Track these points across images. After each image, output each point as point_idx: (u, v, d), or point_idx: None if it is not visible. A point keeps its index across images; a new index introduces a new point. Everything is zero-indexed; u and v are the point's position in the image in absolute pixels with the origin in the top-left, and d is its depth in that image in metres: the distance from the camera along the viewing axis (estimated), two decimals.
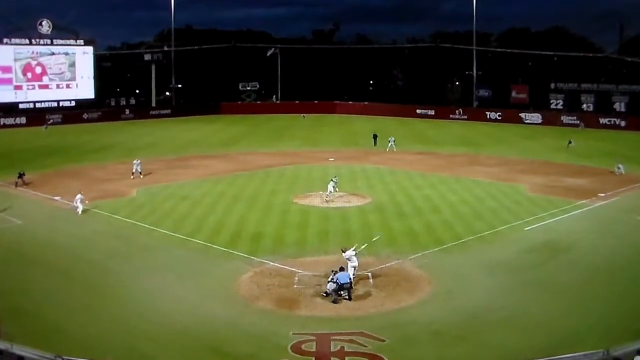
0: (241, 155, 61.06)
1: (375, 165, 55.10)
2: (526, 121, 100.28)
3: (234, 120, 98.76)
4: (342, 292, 23.61)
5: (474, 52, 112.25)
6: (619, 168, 51.20)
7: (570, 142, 68.80)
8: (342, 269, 24.21)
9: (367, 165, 55.02)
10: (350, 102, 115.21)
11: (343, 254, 25.42)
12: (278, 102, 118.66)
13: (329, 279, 23.86)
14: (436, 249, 30.14)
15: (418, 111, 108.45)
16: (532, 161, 59.14)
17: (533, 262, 28.56)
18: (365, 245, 26.83)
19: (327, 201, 39.87)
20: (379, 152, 63.14)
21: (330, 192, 40.53)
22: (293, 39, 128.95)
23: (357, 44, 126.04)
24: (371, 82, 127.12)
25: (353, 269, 24.97)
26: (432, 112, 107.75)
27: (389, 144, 64.59)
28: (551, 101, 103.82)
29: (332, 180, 41.25)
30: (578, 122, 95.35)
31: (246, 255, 29.06)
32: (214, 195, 42.20)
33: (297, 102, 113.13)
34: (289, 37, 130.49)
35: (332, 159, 57.28)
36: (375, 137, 69.18)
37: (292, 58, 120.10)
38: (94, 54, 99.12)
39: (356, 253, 25.53)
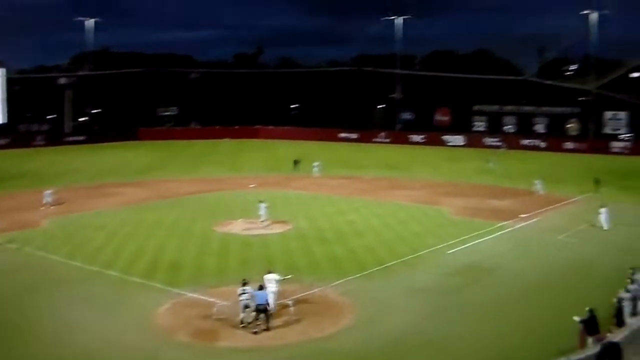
0: (160, 183, 60.14)
1: (297, 191, 55.28)
2: (449, 143, 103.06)
3: (152, 146, 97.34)
4: (259, 317, 23.44)
5: (397, 75, 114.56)
6: (537, 185, 53.33)
7: (490, 162, 71.10)
8: (261, 288, 24.12)
9: (290, 191, 55.13)
10: (272, 127, 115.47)
11: (265, 275, 25.40)
12: (198, 127, 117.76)
13: (239, 292, 23.75)
14: (359, 275, 30.35)
15: (341, 135, 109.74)
16: (456, 183, 60.74)
17: (456, 285, 29.11)
18: (287, 277, 26.65)
19: (263, 226, 39.99)
20: (301, 178, 63.38)
21: (262, 215, 40.66)
22: (215, 62, 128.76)
23: (281, 68, 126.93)
24: (294, 106, 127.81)
25: (272, 294, 24.88)
26: (355, 136, 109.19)
27: (314, 169, 64.99)
28: (474, 123, 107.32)
29: (260, 203, 41.26)
30: (500, 143, 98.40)
31: (164, 287, 28.52)
32: (131, 225, 41.33)
33: (218, 127, 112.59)
34: (212, 60, 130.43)
35: (253, 185, 57.12)
36: (296, 162, 69.52)
37: (214, 82, 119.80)
38: (2, 76, 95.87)
39: (279, 280, 25.48)
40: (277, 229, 40.27)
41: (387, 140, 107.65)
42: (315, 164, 65.69)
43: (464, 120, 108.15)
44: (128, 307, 26.31)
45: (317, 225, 41.33)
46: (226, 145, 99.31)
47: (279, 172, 68.49)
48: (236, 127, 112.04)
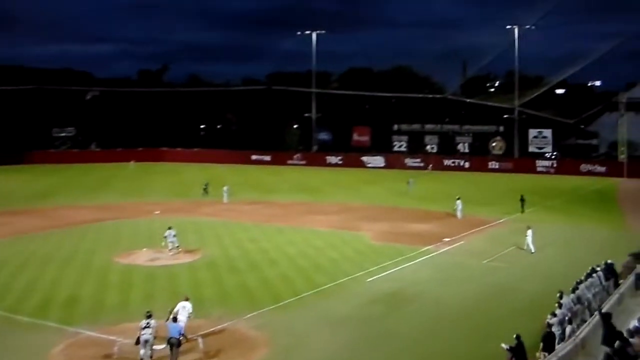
0: (54, 210, 58.46)
1: (207, 218, 54.85)
2: (368, 165, 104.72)
3: (45, 170, 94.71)
4: (172, 352, 23.08)
5: (313, 93, 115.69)
6: (457, 207, 54.59)
7: (409, 183, 72.62)
8: (175, 320, 23.87)
9: (198, 218, 54.64)
10: (180, 149, 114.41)
11: (182, 302, 25.27)
12: (98, 150, 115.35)
13: (143, 325, 23.35)
14: (274, 306, 30.21)
15: (254, 157, 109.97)
16: (375, 207, 61.72)
17: (377, 314, 29.33)
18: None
19: (169, 256, 39.47)
20: (211, 203, 62.98)
21: (172, 242, 40.11)
22: (117, 79, 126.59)
23: (189, 85, 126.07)
24: (203, 126, 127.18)
25: (183, 323, 24.61)
26: (268, 158, 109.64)
27: (224, 194, 64.66)
28: (394, 143, 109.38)
29: (169, 230, 40.68)
30: (423, 164, 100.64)
31: (58, 325, 27.54)
32: (20, 257, 39.83)
33: (120, 149, 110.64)
34: (113, 77, 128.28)
35: (158, 212, 56.33)
36: (205, 186, 69.05)
37: (116, 101, 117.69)
38: None
39: (190, 313, 25.27)
40: (185, 258, 39.75)
41: (303, 162, 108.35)
42: (224, 188, 65.36)
43: (384, 140, 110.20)
44: (15, 351, 25.18)
45: (228, 254, 41.03)
46: (129, 169, 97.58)
47: (187, 197, 67.85)
48: (140, 149, 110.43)
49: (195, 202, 64.21)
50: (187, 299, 25.88)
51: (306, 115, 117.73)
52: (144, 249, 41.45)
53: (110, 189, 74.81)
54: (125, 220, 53.56)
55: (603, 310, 22.82)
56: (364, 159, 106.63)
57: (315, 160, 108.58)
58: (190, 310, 25.46)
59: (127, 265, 38.41)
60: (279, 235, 46.92)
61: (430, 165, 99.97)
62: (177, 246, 40.76)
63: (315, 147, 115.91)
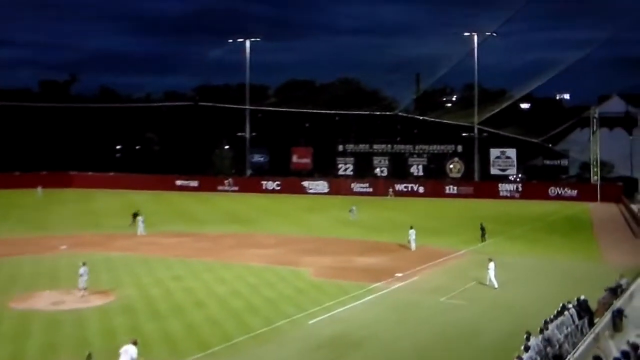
0: None
1: (122, 253, 53.81)
2: (310, 191, 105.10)
3: None
4: None
5: (247, 110, 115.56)
6: (410, 237, 54.76)
7: (351, 210, 72.88)
8: None
9: (113, 253, 53.56)
10: (91, 173, 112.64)
11: (126, 346, 25.08)
12: None
13: None
14: (201, 355, 29.63)
15: (178, 183, 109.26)
16: (317, 239, 61.81)
17: None
18: None
19: (77, 298, 38.40)
20: (129, 236, 61.99)
21: (82, 282, 39.10)
22: (14, 90, 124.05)
23: (101, 100, 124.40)
24: (119, 147, 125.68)
25: None
26: (195, 184, 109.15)
27: (139, 225, 63.63)
28: (339, 166, 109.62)
29: (83, 265, 39.68)
30: (371, 189, 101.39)
31: None
32: None
33: (18, 173, 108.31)
34: (8, 88, 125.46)
35: (64, 247, 55.11)
36: (135, 215, 68.23)
37: (12, 116, 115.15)
38: None
39: None
40: (96, 301, 38.70)
41: (235, 188, 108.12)
42: (139, 218, 64.37)
43: (327, 162, 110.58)
44: None
45: (148, 295, 40.18)
46: (31, 197, 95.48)
47: (99, 229, 66.61)
48: (44, 173, 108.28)
49: (109, 234, 63.07)
50: (134, 343, 25.43)
51: (239, 134, 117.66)
52: (47, 291, 40.30)
53: (8, 220, 72.94)
54: (25, 257, 52.10)
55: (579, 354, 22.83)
56: (305, 184, 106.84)
57: (250, 186, 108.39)
58: (134, 357, 24.96)
59: (24, 310, 37.15)
60: (208, 273, 46.24)
61: (391, 191, 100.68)
62: (85, 287, 39.73)
63: (249, 171, 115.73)
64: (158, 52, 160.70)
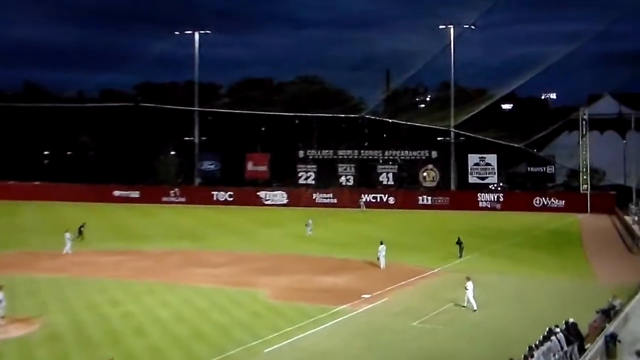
0: None
1: (49, 274, 52.97)
2: (267, 202, 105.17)
3: None
4: None
5: (196, 112, 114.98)
6: (380, 254, 54.67)
7: (307, 225, 72.78)
8: None
9: (38, 275, 52.74)
10: (13, 182, 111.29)
11: None
12: None
13: None
14: None
15: (117, 193, 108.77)
16: (275, 256, 61.58)
17: None
18: None
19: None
20: (57, 255, 61.17)
21: (1, 309, 38.45)
22: None
23: (25, 98, 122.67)
24: (47, 153, 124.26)
25: None
26: (136, 195, 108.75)
27: (66, 242, 62.79)
28: (299, 174, 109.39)
29: None
30: (335, 200, 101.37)
31: None
32: None
33: None
34: None
35: None
36: (81, 229, 68.20)
37: None
38: None
39: None
40: (16, 331, 37.93)
41: (182, 199, 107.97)
42: (66, 235, 63.47)
43: (287, 170, 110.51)
44: None
45: (79, 322, 39.54)
46: None
47: (22, 247, 65.89)
48: None
49: (34, 254, 62.18)
50: None
51: (187, 139, 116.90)
52: None
53: None
54: None
55: None
56: (261, 194, 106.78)
57: (199, 196, 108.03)
58: None
59: None
60: (150, 295, 45.71)
61: (363, 202, 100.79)
62: (3, 316, 38.89)
63: (198, 180, 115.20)
64: (93, 44, 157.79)
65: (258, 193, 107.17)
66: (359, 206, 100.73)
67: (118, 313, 41.50)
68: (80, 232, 68.25)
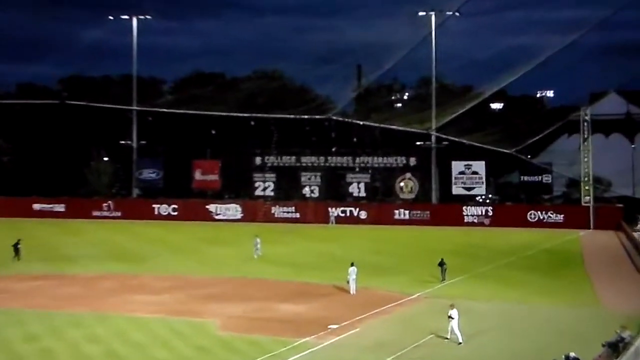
0: None
1: None
2: (218, 217, 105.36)
3: None
4: None
5: (134, 111, 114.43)
6: (350, 277, 54.62)
7: (255, 244, 72.30)
8: None
9: None
10: None
11: None
12: None
13: None
14: None
15: (37, 207, 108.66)
16: (228, 280, 61.50)
17: None
18: None
19: None
20: None
21: None
22: None
23: None
24: None
25: None
26: (61, 208, 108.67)
27: None
28: (256, 184, 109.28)
29: None
30: (298, 215, 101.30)
31: None
32: None
33: None
34: None
35: None
36: (17, 245, 68.75)
37: None
38: None
39: None
40: None
41: (117, 213, 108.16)
42: None
43: (241, 180, 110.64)
44: None
45: None
46: None
47: None
48: None
49: None
50: None
51: (123, 142, 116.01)
52: None
53: None
54: None
55: None
56: (211, 208, 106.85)
57: (137, 210, 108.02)
58: None
59: None
60: (75, 328, 45.09)
61: (333, 216, 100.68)
62: None
63: (136, 191, 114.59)
64: (9, 30, 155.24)
65: (207, 206, 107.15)
66: (328, 221, 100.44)
67: (35, 350, 40.67)
68: (16, 251, 68.48)
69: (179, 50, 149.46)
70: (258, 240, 74.01)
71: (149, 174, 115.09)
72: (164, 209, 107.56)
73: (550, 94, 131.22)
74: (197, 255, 75.63)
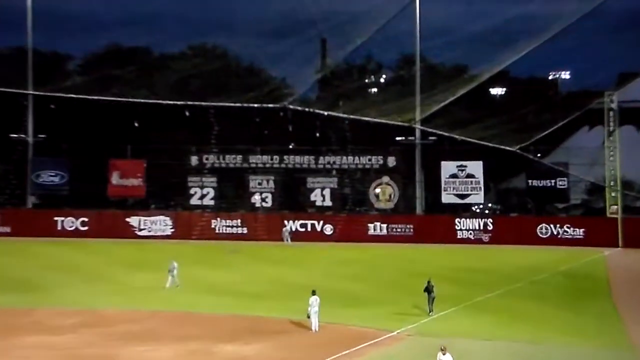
0: None
1: None
2: (142, 233, 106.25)
3: None
4: None
5: (30, 96, 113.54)
6: (311, 309, 53.98)
7: (171, 270, 71.53)
8: None
9: None
10: None
11: None
12: None
13: None
14: None
15: None
16: (153, 314, 60.84)
17: None
18: None
19: None
20: None
21: None
22: None
23: None
24: None
25: None
26: None
27: None
28: (191, 191, 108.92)
29: None
30: (246, 230, 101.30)
31: None
32: None
33: None
34: None
35: None
36: None
37: None
38: None
39: None
40: None
41: (5, 229, 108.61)
42: None
43: (173, 185, 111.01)
44: None
45: None
46: None
47: None
48: None
49: None
50: None
51: (14, 136, 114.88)
52: None
53: None
54: None
55: None
56: (133, 221, 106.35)
57: (34, 224, 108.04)
58: None
59: None
60: None
61: (288, 232, 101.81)
62: None
63: (33, 200, 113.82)
64: None
65: (128, 219, 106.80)
66: (282, 238, 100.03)
67: None
68: None
69: (89, 18, 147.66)
70: (175, 264, 72.63)
71: (49, 177, 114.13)
72: (69, 222, 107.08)
73: (565, 75, 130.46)
74: (113, 282, 74.49)
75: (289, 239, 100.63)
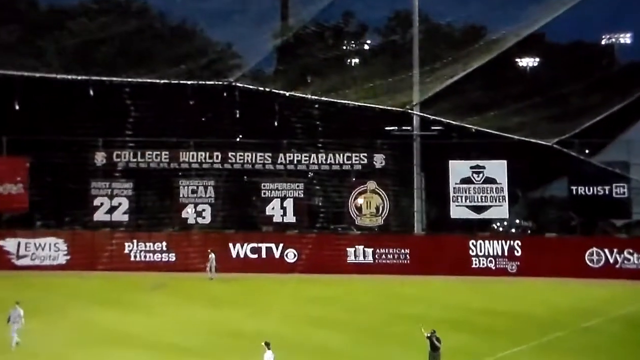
0: None
1: None
2: (22, 262, 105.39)
3: None
4: None
5: None
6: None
7: (13, 319, 69.69)
8: None
9: None
10: None
11: None
12: None
13: None
14: None
15: None
16: None
17: None
18: None
19: None
20: None
21: None
22: None
23: None
24: None
25: None
26: None
27: None
28: (97, 201, 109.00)
29: None
30: (172, 256, 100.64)
31: None
32: None
33: None
34: None
35: None
36: None
37: None
38: None
39: None
40: None
41: None
42: None
43: (69, 193, 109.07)
44: None
45: None
46: None
47: None
48: None
49: None
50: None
51: None
52: None
53: None
54: None
55: None
56: (10, 245, 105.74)
57: None
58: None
59: None
60: None
61: (212, 264, 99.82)
62: None
63: None
64: None
65: (1, 242, 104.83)
66: (205, 269, 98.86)
67: None
68: None
69: None
70: (19, 311, 69.73)
71: None
72: None
73: (625, 39, 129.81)
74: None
75: (214, 270, 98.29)
